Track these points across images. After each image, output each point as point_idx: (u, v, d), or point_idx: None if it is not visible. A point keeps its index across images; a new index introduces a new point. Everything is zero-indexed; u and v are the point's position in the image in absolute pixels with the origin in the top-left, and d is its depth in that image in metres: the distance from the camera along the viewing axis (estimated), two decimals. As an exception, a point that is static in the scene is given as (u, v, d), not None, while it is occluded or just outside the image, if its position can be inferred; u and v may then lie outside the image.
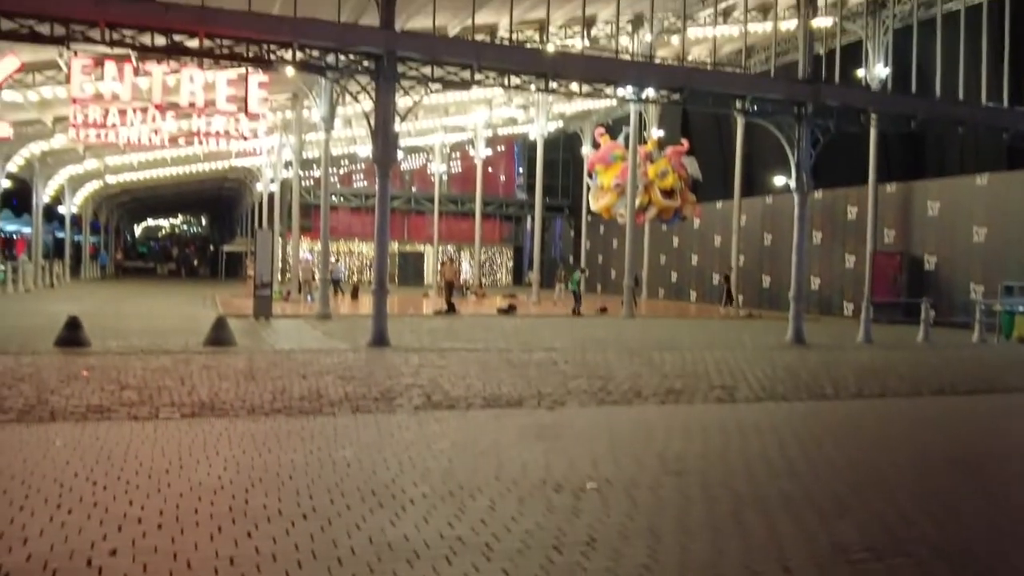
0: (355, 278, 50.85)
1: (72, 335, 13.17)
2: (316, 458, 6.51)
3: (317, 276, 24.07)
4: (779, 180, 27.13)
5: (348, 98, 18.96)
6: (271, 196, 39.80)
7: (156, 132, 14.05)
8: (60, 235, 47.40)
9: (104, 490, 5.47)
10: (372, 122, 15.12)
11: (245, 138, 14.75)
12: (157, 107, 13.95)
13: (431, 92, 16.74)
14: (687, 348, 16.53)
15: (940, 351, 17.88)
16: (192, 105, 14.24)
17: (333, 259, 36.34)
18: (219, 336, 14.14)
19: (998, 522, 5.41)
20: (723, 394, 10.70)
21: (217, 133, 14.60)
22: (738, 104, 18.12)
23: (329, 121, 21.76)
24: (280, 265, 40.38)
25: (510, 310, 25.97)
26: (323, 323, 19.98)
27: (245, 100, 14.73)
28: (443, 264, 30.98)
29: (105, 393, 9.26)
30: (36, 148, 28.84)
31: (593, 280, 44.06)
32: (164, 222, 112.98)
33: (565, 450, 7.01)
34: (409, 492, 5.57)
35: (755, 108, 18.12)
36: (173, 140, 15.72)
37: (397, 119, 15.14)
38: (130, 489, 5.50)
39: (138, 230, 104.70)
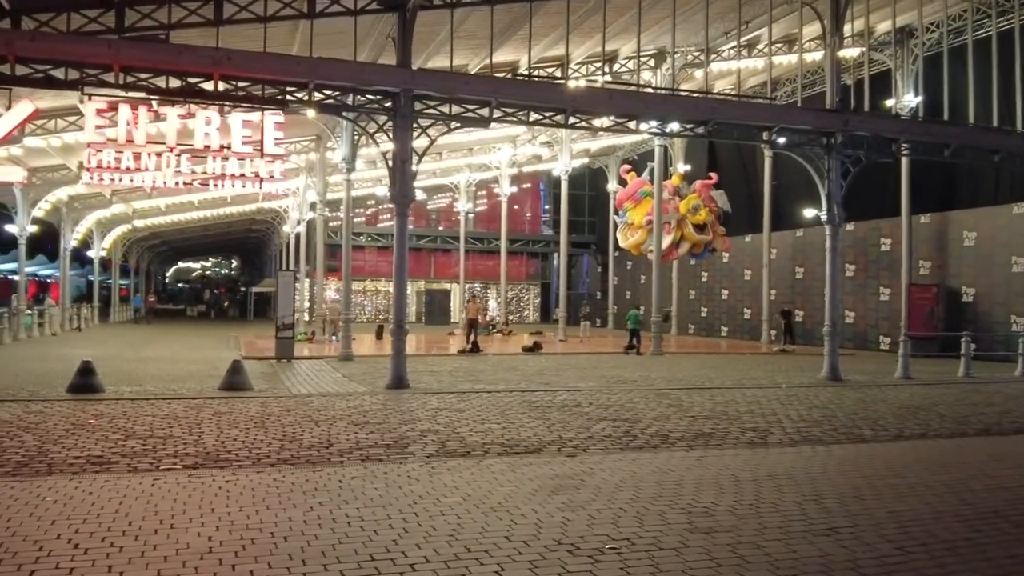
0: (380, 317, 50.90)
1: (85, 381, 12.95)
2: (316, 515, 6.09)
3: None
4: (809, 213, 26.59)
5: (369, 138, 18.78)
6: (297, 237, 39.89)
7: (174, 175, 13.85)
8: (93, 279, 47.86)
9: (84, 554, 5.10)
10: (389, 160, 14.90)
11: (262, 180, 14.53)
12: (171, 150, 13.81)
13: (449, 130, 16.49)
14: (717, 387, 15.95)
15: (982, 387, 17.09)
16: (207, 148, 14.12)
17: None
18: (234, 381, 13.84)
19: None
20: (755, 438, 10.14)
21: (233, 175, 14.41)
22: (765, 136, 17.68)
23: (351, 161, 21.69)
24: (308, 306, 40.37)
25: (535, 348, 25.50)
26: (344, 365, 19.66)
27: (261, 142, 14.59)
28: (468, 302, 30.64)
29: (109, 443, 8.94)
30: (62, 193, 29.11)
31: (621, 316, 43.46)
32: (195, 264, 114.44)
33: (584, 504, 6.53)
34: (410, 556, 5.12)
35: (782, 140, 17.67)
36: (189, 184, 15.53)
37: (415, 157, 14.89)
38: (112, 553, 5.11)
39: (170, 272, 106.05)
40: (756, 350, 28.05)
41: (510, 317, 48.37)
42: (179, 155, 13.92)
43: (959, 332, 22.35)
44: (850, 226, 29.98)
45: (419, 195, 52.33)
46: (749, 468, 8.22)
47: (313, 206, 34.90)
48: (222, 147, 14.24)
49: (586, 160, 44.61)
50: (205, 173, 14.46)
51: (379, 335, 30.95)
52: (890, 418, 12.08)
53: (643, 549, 5.33)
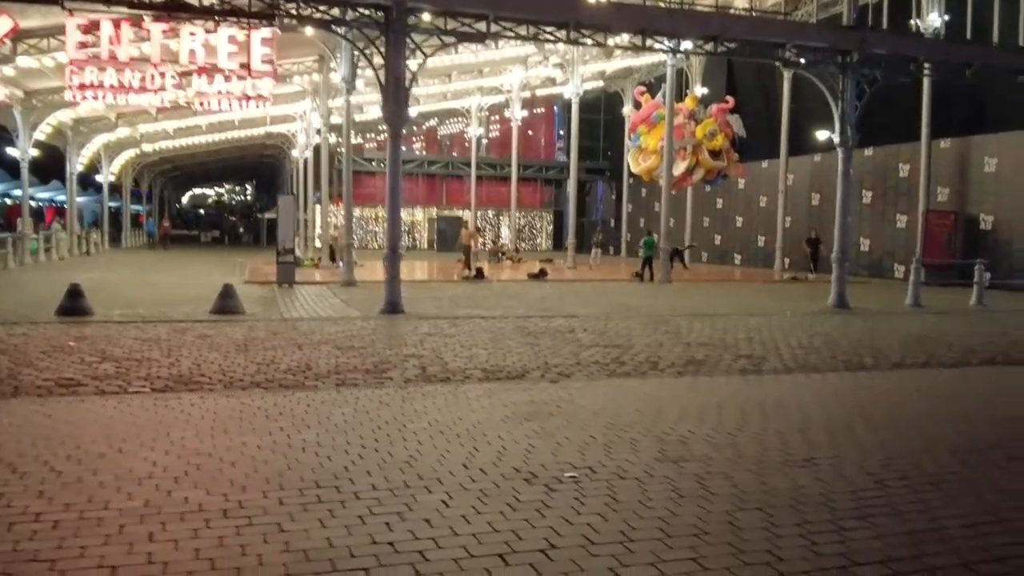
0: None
1: (73, 304, 12.79)
2: (272, 440, 5.86)
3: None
4: (822, 134, 25.62)
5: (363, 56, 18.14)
6: (306, 162, 39.39)
7: (156, 93, 13.37)
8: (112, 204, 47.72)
9: (20, 479, 4.89)
10: (382, 79, 14.34)
11: (249, 99, 14.03)
12: (155, 66, 13.31)
13: (444, 46, 15.80)
14: (721, 315, 15.59)
15: (994, 316, 16.63)
16: (193, 65, 13.60)
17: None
18: (225, 304, 13.64)
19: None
20: (749, 365, 9.82)
21: (219, 93, 13.91)
22: (779, 54, 16.87)
23: (350, 81, 21.04)
24: (319, 232, 40.08)
25: (540, 275, 25.16)
26: (345, 290, 19.44)
27: (248, 59, 14.04)
28: (463, 228, 30.33)
29: (83, 366, 8.77)
30: (63, 115, 28.68)
31: (634, 244, 42.95)
32: (211, 191, 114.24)
33: (554, 432, 6.26)
34: (358, 484, 4.88)
35: (797, 58, 16.86)
36: (174, 103, 15.06)
37: (408, 75, 14.30)
38: (48, 479, 4.90)
39: (185, 198, 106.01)
40: (769, 278, 27.56)
41: (523, 245, 48.06)
42: (163, 74, 13.41)
43: (974, 260, 21.87)
44: (868, 151, 29.12)
45: (430, 120, 52.02)
46: (737, 396, 7.92)
47: (319, 131, 34.33)
48: (207, 66, 13.70)
49: (600, 83, 43.46)
50: (193, 91, 13.93)
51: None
52: (894, 346, 11.70)
53: (604, 478, 5.06)
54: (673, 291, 21.82)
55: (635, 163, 32.94)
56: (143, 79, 13.38)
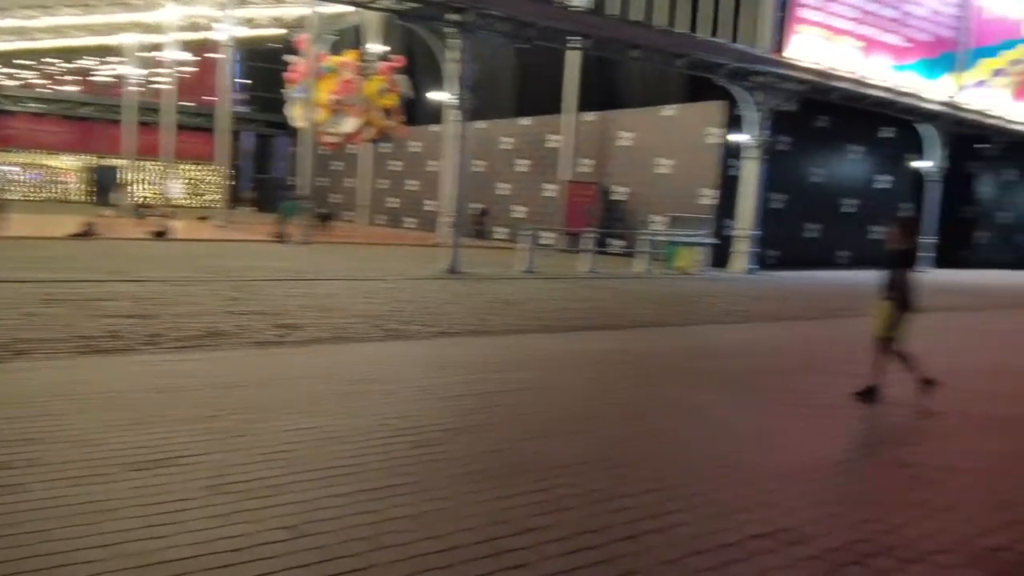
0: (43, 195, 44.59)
1: None
2: None
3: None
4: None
5: None
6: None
7: None
8: None
9: None
10: None
11: None
12: None
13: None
14: (324, 279, 14.69)
15: (598, 282, 17.42)
16: None
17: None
18: None
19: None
20: (276, 336, 8.84)
21: None
22: (386, 3, 16.10)
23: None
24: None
25: (163, 234, 22.60)
26: None
27: None
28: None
29: None
30: None
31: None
32: None
33: None
34: None
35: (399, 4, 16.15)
36: None
37: None
38: None
39: None
40: (423, 241, 27.28)
41: (192, 201, 44.47)
42: None
43: (610, 230, 23.15)
44: (526, 121, 29.96)
45: (82, 57, 45.87)
46: (215, 371, 6.90)
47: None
48: None
49: (282, 32, 40.92)
50: None
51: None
52: (465, 314, 11.41)
53: None
54: (306, 254, 20.62)
55: (300, 116, 31.19)
56: None
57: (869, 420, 6.94)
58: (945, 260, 28.49)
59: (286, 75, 31.86)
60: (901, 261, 7.17)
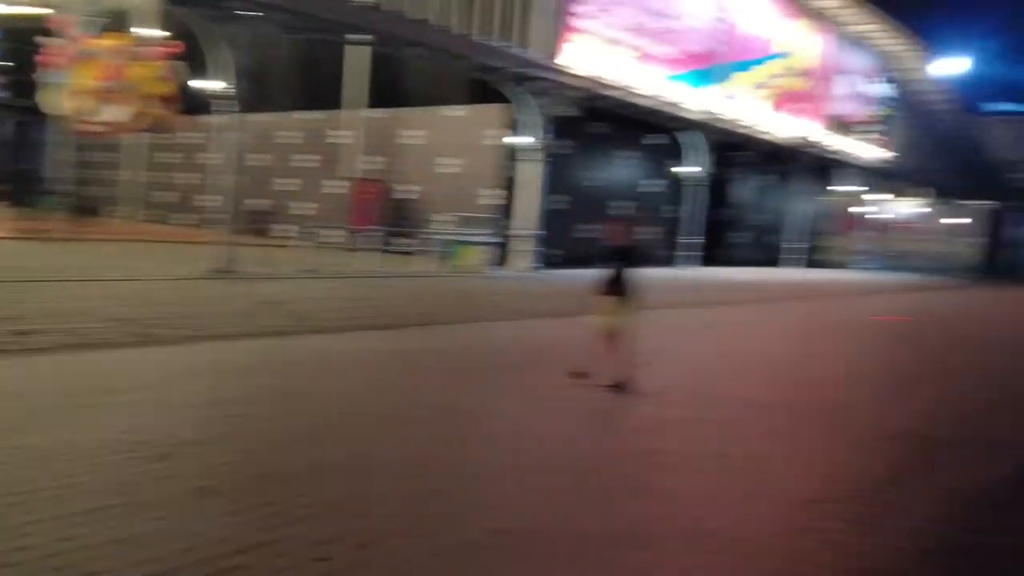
0: None
1: None
2: None
3: None
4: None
5: None
6: None
7: None
8: None
9: None
10: None
11: None
12: None
13: None
14: (79, 278, 13.49)
15: (379, 282, 17.20)
16: None
17: None
18: None
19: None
20: (12, 342, 7.92)
21: None
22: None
23: None
24: None
25: None
26: None
27: None
28: None
29: None
30: None
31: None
32: None
33: None
34: None
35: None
36: None
37: None
38: None
39: None
40: (194, 239, 25.61)
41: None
42: None
43: (397, 228, 22.98)
44: (310, 115, 29.14)
45: None
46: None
47: None
48: None
49: (49, 12, 36.96)
50: None
51: None
52: (232, 316, 10.83)
53: None
54: (61, 251, 18.78)
55: (55, 102, 28.39)
56: None
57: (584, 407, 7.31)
58: (708, 259, 30.96)
59: (39, 58, 28.86)
60: (622, 257, 7.62)
